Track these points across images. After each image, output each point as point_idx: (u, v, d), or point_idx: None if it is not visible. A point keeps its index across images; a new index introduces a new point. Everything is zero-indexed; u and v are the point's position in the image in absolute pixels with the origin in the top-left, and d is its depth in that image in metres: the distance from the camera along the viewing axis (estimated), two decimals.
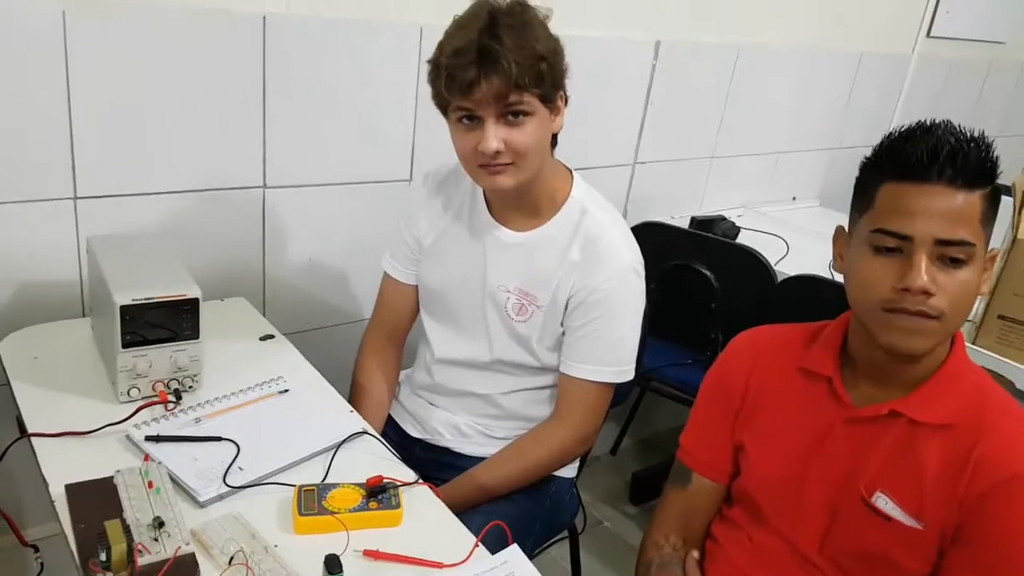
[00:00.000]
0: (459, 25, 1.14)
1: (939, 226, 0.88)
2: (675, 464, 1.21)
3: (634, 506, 2.37)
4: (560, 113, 1.22)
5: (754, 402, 1.11)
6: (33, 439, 1.08)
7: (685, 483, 1.18)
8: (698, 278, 2.02)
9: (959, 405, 0.95)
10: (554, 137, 1.25)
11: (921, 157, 0.88)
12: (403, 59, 1.66)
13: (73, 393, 1.20)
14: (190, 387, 1.22)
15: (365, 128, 1.68)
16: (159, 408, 1.17)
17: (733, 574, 1.10)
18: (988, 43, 3.17)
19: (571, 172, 1.33)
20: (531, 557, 1.01)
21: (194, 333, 1.20)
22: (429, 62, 1.17)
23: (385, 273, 1.46)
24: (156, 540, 0.87)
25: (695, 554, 1.14)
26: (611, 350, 1.30)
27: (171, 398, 1.18)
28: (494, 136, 1.14)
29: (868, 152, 0.97)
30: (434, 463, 1.40)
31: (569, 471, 1.47)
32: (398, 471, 1.12)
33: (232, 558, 0.90)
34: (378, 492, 1.04)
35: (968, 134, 0.90)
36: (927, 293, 0.88)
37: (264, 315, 1.57)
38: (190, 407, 1.19)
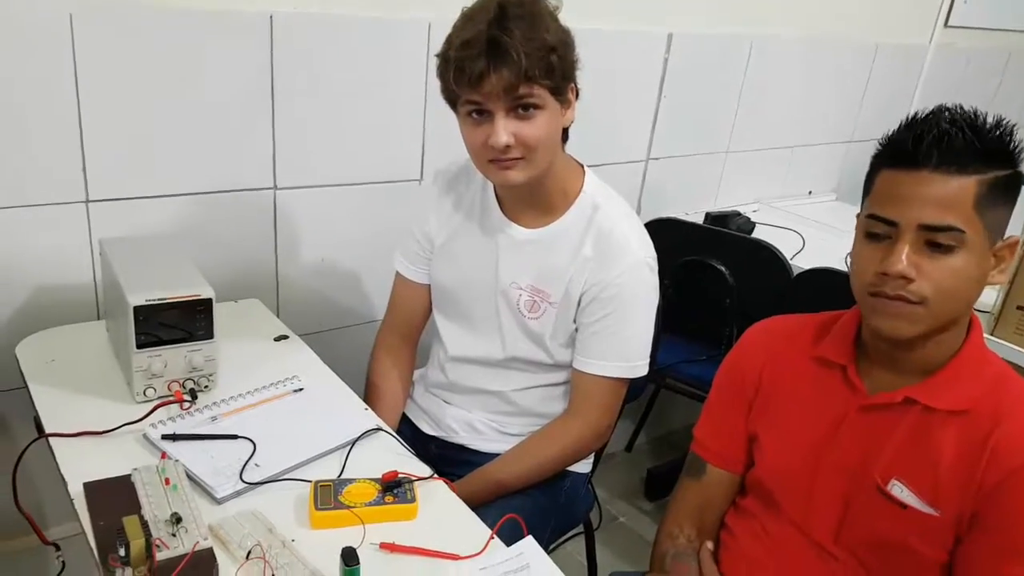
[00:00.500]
0: (468, 17, 1.14)
1: (924, 212, 0.88)
2: (689, 456, 1.21)
3: (650, 502, 2.37)
4: (571, 106, 1.21)
5: (768, 393, 1.11)
6: (51, 439, 1.09)
7: (699, 475, 1.18)
8: (713, 274, 2.01)
9: (975, 392, 0.95)
10: (565, 131, 1.24)
11: (909, 143, 0.89)
12: (411, 56, 1.67)
13: (89, 394, 1.21)
14: (205, 387, 1.23)
15: (374, 128, 1.68)
16: (175, 407, 1.18)
17: (748, 565, 1.10)
18: (1007, 32, 3.14)
19: (583, 167, 1.32)
20: (546, 551, 1.01)
21: (208, 333, 1.21)
22: (438, 55, 1.17)
23: (397, 273, 1.46)
24: (174, 535, 0.87)
25: (709, 545, 1.14)
26: (624, 345, 1.29)
27: (187, 397, 1.19)
28: (504, 129, 1.14)
29: None
30: (449, 460, 1.40)
31: (584, 466, 1.47)
32: (413, 467, 1.12)
33: (250, 552, 0.90)
34: (393, 487, 1.04)
35: (969, 118, 0.89)
36: (906, 278, 0.89)
37: (278, 316, 1.58)
38: (206, 406, 1.19)
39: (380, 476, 1.06)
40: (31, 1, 1.26)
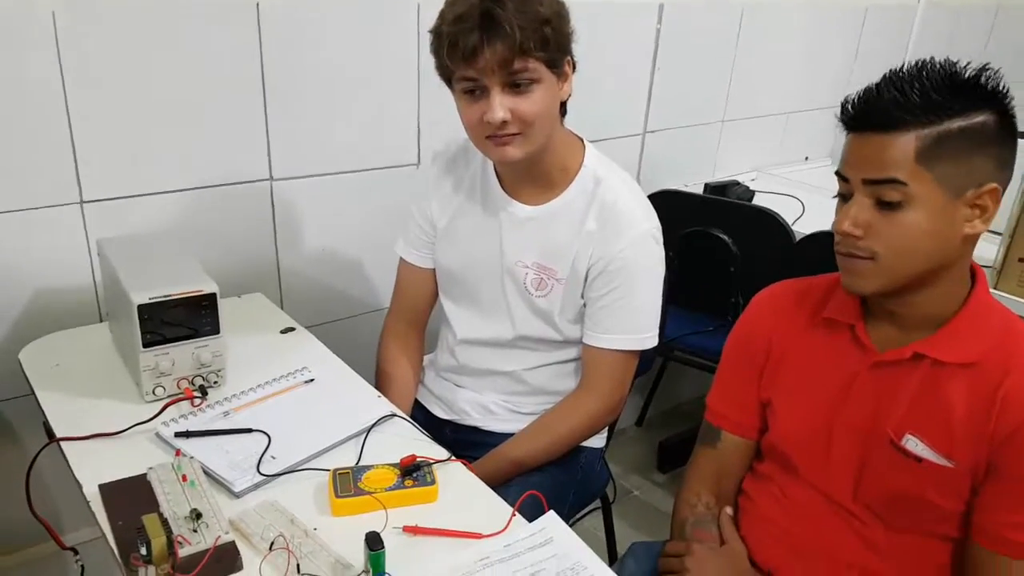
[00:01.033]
0: None
1: (866, 168, 0.91)
2: (703, 425, 1.21)
3: (663, 474, 2.37)
4: (568, 80, 1.20)
5: (778, 357, 1.11)
6: (62, 444, 1.08)
7: (715, 442, 1.18)
8: (716, 244, 2.01)
9: (983, 343, 0.95)
10: (563, 105, 1.23)
11: (851, 107, 0.93)
12: (401, 38, 1.64)
13: (98, 396, 1.19)
14: (215, 383, 1.22)
15: (368, 113, 1.66)
16: (186, 405, 1.17)
17: (768, 528, 1.10)
18: None
19: (582, 141, 1.31)
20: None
21: (214, 329, 1.19)
22: (431, 31, 1.15)
23: (401, 259, 1.45)
24: (195, 531, 0.86)
25: (728, 510, 1.14)
26: (633, 318, 1.29)
27: (197, 394, 1.17)
28: (500, 105, 1.12)
29: None
30: (464, 443, 1.39)
31: (598, 441, 1.47)
32: (430, 450, 1.11)
33: (273, 543, 0.89)
34: (412, 470, 1.04)
35: (912, 75, 0.90)
36: (851, 235, 0.92)
37: (282, 309, 1.57)
38: (217, 402, 1.18)
39: (398, 461, 1.05)
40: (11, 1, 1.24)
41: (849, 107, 0.93)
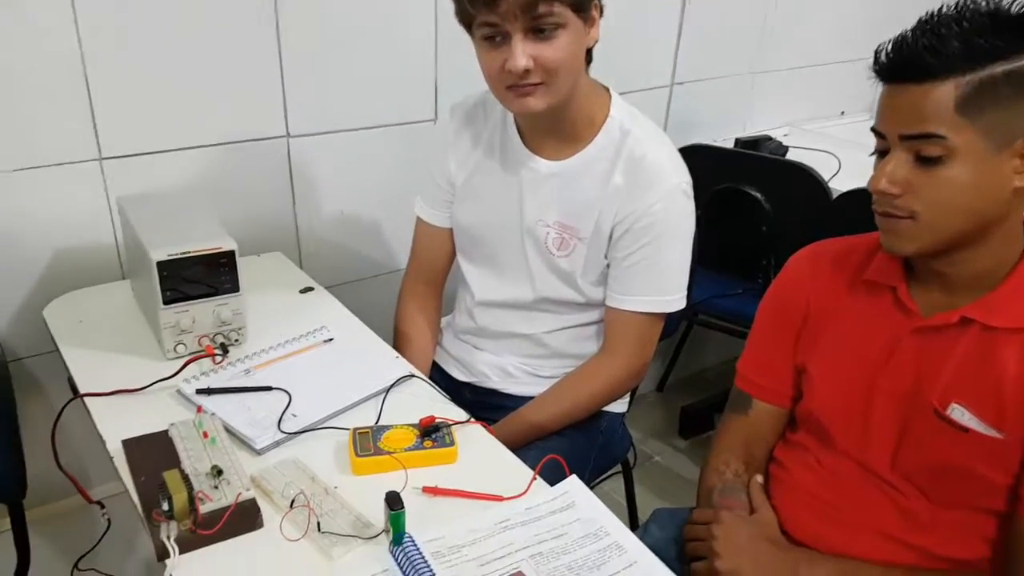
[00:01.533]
0: None
1: (903, 122, 0.86)
2: (733, 392, 1.17)
3: (684, 440, 2.36)
4: (595, 24, 1.14)
5: (817, 321, 1.07)
6: (86, 400, 1.09)
7: (745, 410, 1.14)
8: (747, 201, 1.93)
9: None
10: (589, 52, 1.17)
11: (883, 57, 0.88)
12: None
13: (121, 353, 1.20)
14: (236, 340, 1.22)
15: (384, 67, 1.63)
16: (207, 362, 1.17)
17: (801, 497, 1.07)
18: None
19: (609, 91, 1.26)
20: None
21: (234, 286, 1.19)
22: None
23: (418, 218, 1.42)
24: (216, 488, 0.86)
25: (759, 478, 1.11)
26: (660, 278, 1.25)
27: (218, 352, 1.18)
28: (522, 52, 1.07)
29: None
30: (483, 405, 1.38)
31: (619, 406, 1.45)
32: (449, 412, 1.10)
33: (293, 501, 0.89)
34: (432, 431, 1.03)
35: (948, 20, 0.84)
36: (888, 194, 0.88)
37: (301, 268, 1.56)
38: (238, 359, 1.18)
39: (417, 421, 1.04)
40: None
41: (882, 56, 0.87)
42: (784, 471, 1.11)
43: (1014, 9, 0.84)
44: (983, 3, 0.84)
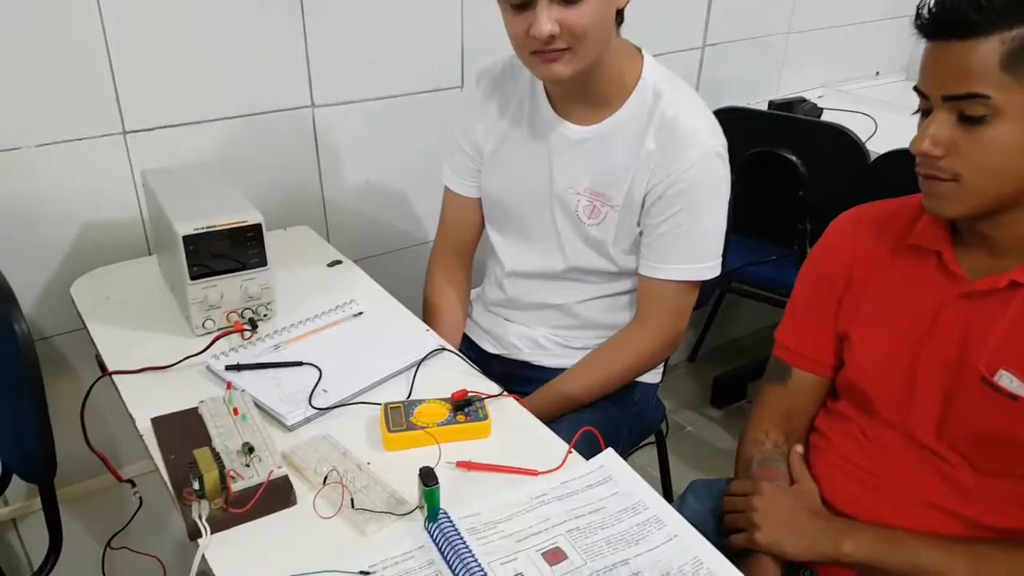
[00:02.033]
0: None
1: (947, 82, 0.83)
2: (772, 361, 1.14)
3: (717, 409, 2.33)
4: None
5: (859, 286, 1.03)
6: (115, 377, 1.08)
7: (785, 379, 1.11)
8: (782, 164, 1.87)
9: None
10: (619, 13, 1.13)
11: (926, 12, 0.84)
12: None
13: (148, 330, 1.19)
14: (264, 315, 1.20)
15: (408, 33, 1.59)
16: (236, 338, 1.15)
17: (844, 467, 1.05)
18: None
19: (640, 52, 1.21)
20: None
21: (261, 261, 1.17)
22: None
23: (446, 188, 1.39)
24: (247, 466, 0.85)
25: (799, 448, 1.09)
26: (695, 245, 1.21)
27: (246, 327, 1.16)
28: (547, 18, 1.03)
29: None
30: (515, 377, 1.36)
31: (653, 376, 1.42)
32: (481, 385, 1.08)
33: (326, 477, 0.88)
34: (464, 405, 1.01)
35: None
36: (930, 155, 0.85)
37: (328, 241, 1.54)
38: (267, 335, 1.16)
39: (450, 396, 1.02)
40: None
41: (924, 11, 0.84)
42: (826, 441, 1.09)
43: None
44: None
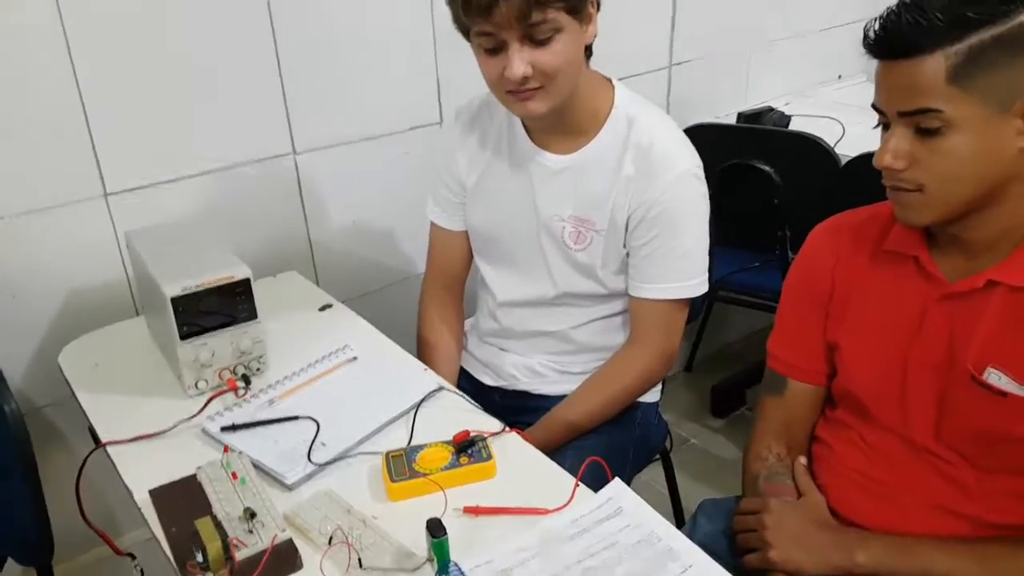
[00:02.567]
0: None
1: (898, 99, 0.86)
2: (767, 373, 1.14)
3: (718, 419, 2.32)
4: (592, 21, 1.12)
5: (843, 296, 1.04)
6: (109, 448, 1.06)
7: (780, 391, 1.11)
8: (756, 175, 1.90)
9: None
10: (588, 48, 1.15)
11: (871, 35, 0.86)
12: None
13: (140, 394, 1.17)
14: (257, 370, 1.19)
15: (384, 74, 1.60)
16: (230, 396, 1.14)
17: (848, 475, 1.04)
18: None
19: (611, 81, 1.23)
20: (627, 485, 0.96)
21: (251, 314, 1.16)
22: None
23: (432, 223, 1.39)
24: (251, 532, 0.83)
25: (803, 460, 1.08)
26: (680, 264, 1.22)
27: (240, 384, 1.15)
28: (520, 61, 1.06)
29: None
30: (515, 408, 1.35)
31: (653, 395, 1.42)
32: (483, 422, 1.07)
33: (331, 537, 0.86)
34: (467, 446, 1.00)
35: None
36: (893, 168, 0.87)
37: (318, 285, 1.53)
38: (261, 390, 1.15)
39: (451, 437, 1.01)
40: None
41: (870, 34, 0.86)
42: (827, 449, 1.09)
43: None
44: None
